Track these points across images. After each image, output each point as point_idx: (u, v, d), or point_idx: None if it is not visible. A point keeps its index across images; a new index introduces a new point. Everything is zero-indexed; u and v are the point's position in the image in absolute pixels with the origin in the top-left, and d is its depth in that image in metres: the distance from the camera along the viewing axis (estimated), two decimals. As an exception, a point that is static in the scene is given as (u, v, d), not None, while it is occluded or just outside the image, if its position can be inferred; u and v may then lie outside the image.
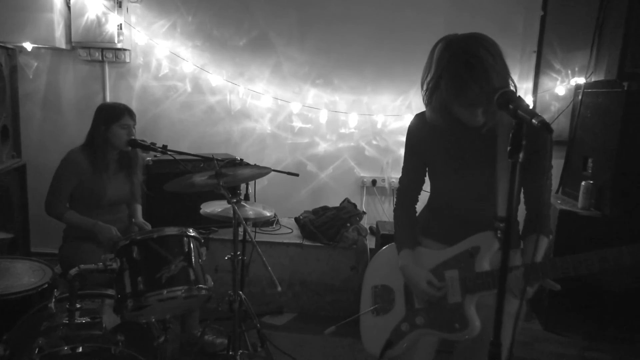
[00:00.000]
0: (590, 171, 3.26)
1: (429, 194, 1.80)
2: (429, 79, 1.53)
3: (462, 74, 1.41)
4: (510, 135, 1.11)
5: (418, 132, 1.71)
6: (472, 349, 1.71)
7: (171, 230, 2.03)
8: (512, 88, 1.41)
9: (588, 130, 3.34)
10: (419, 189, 1.80)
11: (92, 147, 2.68)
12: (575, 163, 3.42)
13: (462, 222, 1.65)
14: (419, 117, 1.71)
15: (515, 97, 1.18)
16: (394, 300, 1.75)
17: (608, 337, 3.15)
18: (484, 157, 1.58)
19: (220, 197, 2.28)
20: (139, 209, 2.90)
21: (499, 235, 1.53)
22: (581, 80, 3.57)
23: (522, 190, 1.63)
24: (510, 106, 1.15)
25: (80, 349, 1.69)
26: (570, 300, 3.11)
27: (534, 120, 1.08)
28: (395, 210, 1.83)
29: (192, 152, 2.87)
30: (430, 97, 1.55)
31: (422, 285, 1.62)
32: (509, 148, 1.11)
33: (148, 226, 2.74)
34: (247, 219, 2.41)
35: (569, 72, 3.68)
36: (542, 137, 1.51)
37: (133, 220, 2.83)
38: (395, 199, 1.85)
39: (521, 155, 1.10)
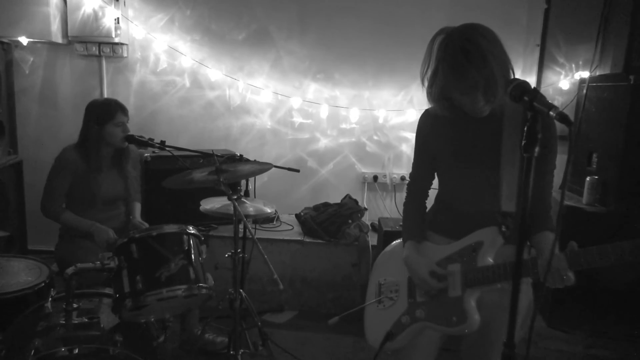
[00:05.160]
0: (595, 166, 3.22)
1: (437, 190, 1.80)
2: (427, 70, 1.53)
3: (459, 59, 1.41)
4: (526, 128, 1.07)
5: (426, 127, 1.72)
6: (478, 347, 1.70)
7: (170, 228, 1.99)
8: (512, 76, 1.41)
9: (593, 125, 3.30)
10: (428, 184, 1.81)
11: (86, 146, 2.62)
12: (579, 158, 3.38)
13: (467, 217, 1.64)
14: (428, 111, 1.72)
15: (530, 89, 1.14)
16: (398, 293, 1.77)
17: (612, 334, 3.12)
18: (489, 151, 1.56)
19: (219, 193, 2.24)
20: (137, 207, 2.85)
21: (503, 230, 1.52)
22: (586, 74, 3.52)
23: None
24: (525, 98, 1.11)
25: (77, 350, 1.65)
26: (574, 297, 3.07)
27: (551, 113, 1.04)
28: (404, 204, 1.84)
29: (191, 148, 2.83)
30: (430, 88, 1.54)
31: (423, 275, 1.63)
32: (523, 142, 1.06)
33: (145, 226, 2.70)
34: (247, 216, 2.37)
35: (573, 65, 3.64)
36: (550, 134, 1.52)
37: (132, 219, 2.78)
38: (403, 194, 1.85)
39: (537, 149, 1.06)
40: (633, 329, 3.13)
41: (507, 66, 1.43)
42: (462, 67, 1.40)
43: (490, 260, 1.55)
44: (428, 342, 1.72)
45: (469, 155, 1.62)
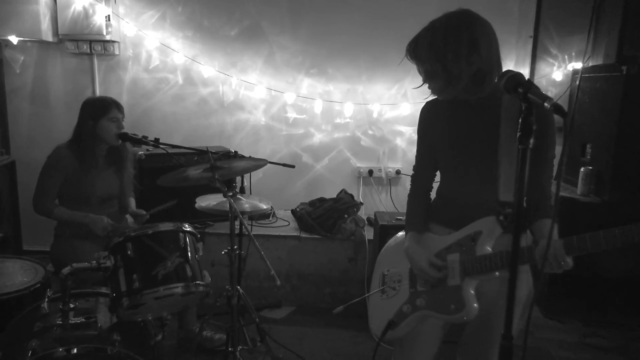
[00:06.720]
0: (589, 157, 3.23)
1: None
2: None
3: (417, 40, 1.58)
4: (520, 119, 1.07)
5: (426, 118, 1.75)
6: (479, 335, 1.73)
7: (166, 226, 1.98)
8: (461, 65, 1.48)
9: (586, 116, 3.31)
10: (431, 176, 1.82)
11: (80, 143, 2.61)
12: (573, 149, 3.39)
13: (467, 207, 1.65)
14: (428, 103, 1.74)
15: (524, 80, 1.14)
16: (400, 283, 1.79)
17: (608, 323, 3.15)
18: (487, 141, 1.57)
19: (215, 190, 2.23)
20: (132, 201, 2.85)
21: (501, 219, 1.53)
22: (578, 65, 3.53)
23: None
24: (520, 90, 1.11)
25: (75, 350, 1.64)
26: (569, 286, 3.10)
27: (546, 104, 1.04)
28: (408, 195, 1.85)
29: (185, 145, 2.82)
30: None
31: (422, 265, 1.65)
32: (519, 134, 1.06)
33: (143, 212, 2.69)
34: (243, 212, 2.37)
35: (566, 56, 3.65)
36: (547, 123, 1.52)
37: (129, 210, 2.78)
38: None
39: (532, 141, 1.06)
40: (628, 318, 3.15)
41: (459, 63, 1.47)
42: (414, 47, 1.56)
43: (489, 249, 1.56)
44: (430, 332, 1.73)
45: (468, 145, 1.63)
